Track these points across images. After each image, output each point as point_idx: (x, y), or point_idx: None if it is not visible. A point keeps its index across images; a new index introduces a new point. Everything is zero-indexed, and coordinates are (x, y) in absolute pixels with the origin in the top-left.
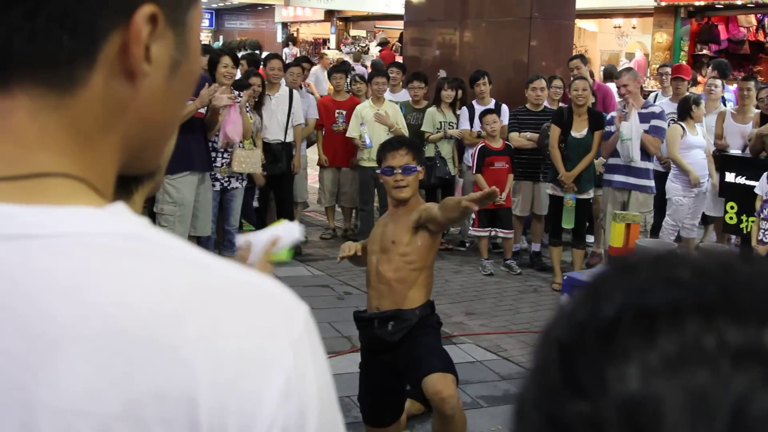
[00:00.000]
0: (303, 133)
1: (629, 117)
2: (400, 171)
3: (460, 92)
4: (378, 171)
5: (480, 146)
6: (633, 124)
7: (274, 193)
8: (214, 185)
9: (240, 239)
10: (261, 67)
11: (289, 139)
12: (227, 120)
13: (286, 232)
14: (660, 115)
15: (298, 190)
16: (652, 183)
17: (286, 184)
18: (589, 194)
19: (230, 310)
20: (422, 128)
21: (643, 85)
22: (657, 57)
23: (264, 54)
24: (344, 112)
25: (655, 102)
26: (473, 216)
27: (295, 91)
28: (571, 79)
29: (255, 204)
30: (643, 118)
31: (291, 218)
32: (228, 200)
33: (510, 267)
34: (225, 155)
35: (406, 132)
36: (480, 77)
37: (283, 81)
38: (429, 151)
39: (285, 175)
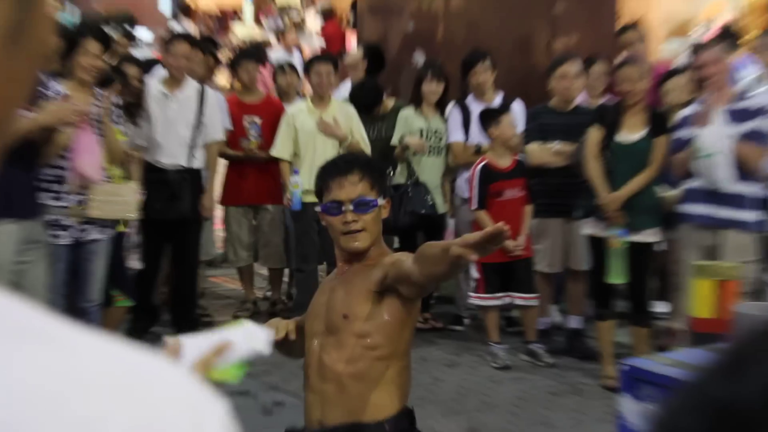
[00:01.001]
0: (216, 157)
1: (709, 118)
2: (351, 207)
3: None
4: (318, 209)
5: (481, 166)
6: (717, 130)
7: (172, 249)
8: (57, 237)
9: (169, 339)
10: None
11: (197, 164)
12: (78, 148)
13: (245, 338)
14: (763, 112)
15: (205, 242)
16: (754, 216)
17: (190, 235)
18: (651, 235)
19: (105, 411)
20: (393, 141)
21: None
22: (752, 22)
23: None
24: (258, 121)
25: (752, 91)
26: (475, 275)
27: (209, 89)
28: (620, 62)
29: (136, 264)
30: (736, 116)
31: (192, 289)
32: (84, 260)
33: (535, 354)
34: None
35: (367, 148)
36: (478, 60)
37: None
38: (401, 175)
39: (189, 222)
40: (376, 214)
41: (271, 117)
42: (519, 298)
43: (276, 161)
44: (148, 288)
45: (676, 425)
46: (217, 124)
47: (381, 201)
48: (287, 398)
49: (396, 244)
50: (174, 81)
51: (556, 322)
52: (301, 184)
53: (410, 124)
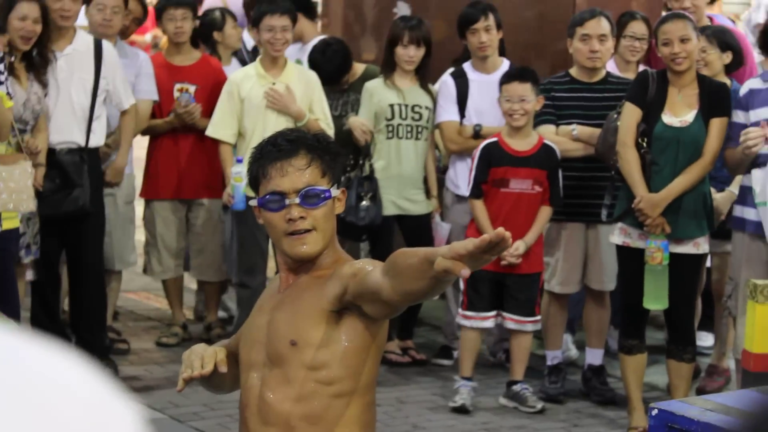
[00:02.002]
0: (133, 128)
1: None
2: (296, 200)
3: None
4: (253, 203)
5: (487, 144)
6: None
7: (66, 253)
8: None
9: None
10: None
11: (95, 142)
12: None
13: None
14: None
15: (116, 247)
16: None
17: (90, 235)
18: (700, 245)
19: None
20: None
21: None
22: None
23: None
24: (192, 88)
25: None
26: (460, 286)
27: (107, 43)
28: (664, 17)
29: (28, 276)
30: None
31: (99, 306)
32: None
33: (520, 398)
34: None
35: (330, 129)
36: (479, 17)
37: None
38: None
39: (88, 217)
40: (329, 209)
41: (209, 84)
42: (510, 320)
43: (215, 144)
44: (46, 305)
45: None
46: (123, 90)
47: (335, 192)
48: None
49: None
50: (59, 33)
51: (571, 356)
52: (245, 176)
53: (376, 98)
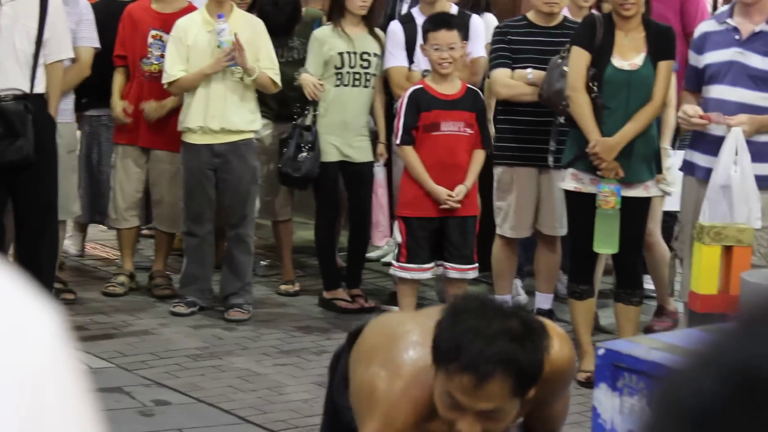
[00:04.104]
0: (68, 80)
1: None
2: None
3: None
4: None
5: (413, 89)
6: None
7: (14, 201)
8: None
9: None
10: None
11: (40, 89)
12: None
13: None
14: None
15: (63, 195)
16: None
17: (35, 183)
18: (650, 188)
19: None
20: (303, 69)
21: None
22: None
23: None
24: (167, 38)
25: None
26: (398, 237)
27: None
28: None
29: None
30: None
31: (52, 256)
32: None
33: None
34: None
35: (277, 76)
36: None
37: None
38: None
39: (35, 166)
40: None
41: None
42: (451, 269)
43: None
44: None
45: (691, 393)
46: (64, 38)
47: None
48: (172, 396)
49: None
50: None
51: (520, 301)
52: (227, 30)
53: (324, 45)
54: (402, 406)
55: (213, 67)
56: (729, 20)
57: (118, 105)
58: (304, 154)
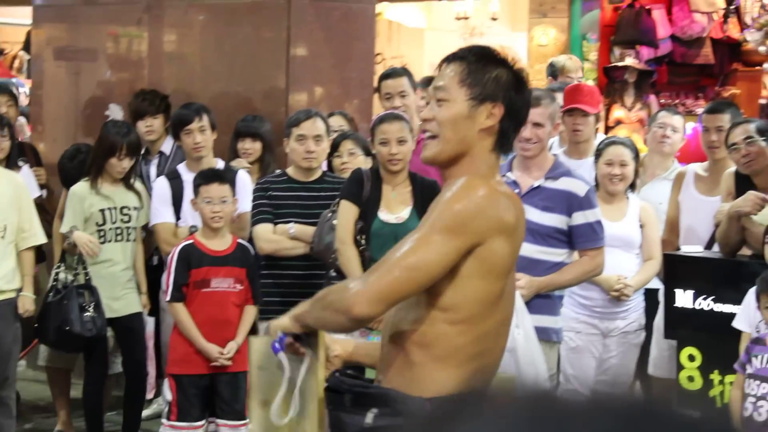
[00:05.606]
0: None
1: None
2: None
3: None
4: None
5: (184, 245)
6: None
7: None
8: None
9: None
10: None
11: None
12: None
13: None
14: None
15: None
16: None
17: None
18: None
19: None
20: (62, 229)
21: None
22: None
23: None
24: None
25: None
26: (168, 395)
27: None
28: (378, 117)
29: None
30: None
31: None
32: None
33: None
34: None
35: (42, 238)
36: (192, 118)
37: None
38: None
39: None
40: None
41: None
42: (223, 426)
43: None
44: None
45: None
46: None
47: None
48: None
49: None
50: None
51: None
52: None
53: (89, 203)
54: None
55: None
56: (509, 174)
57: None
58: (90, 313)
